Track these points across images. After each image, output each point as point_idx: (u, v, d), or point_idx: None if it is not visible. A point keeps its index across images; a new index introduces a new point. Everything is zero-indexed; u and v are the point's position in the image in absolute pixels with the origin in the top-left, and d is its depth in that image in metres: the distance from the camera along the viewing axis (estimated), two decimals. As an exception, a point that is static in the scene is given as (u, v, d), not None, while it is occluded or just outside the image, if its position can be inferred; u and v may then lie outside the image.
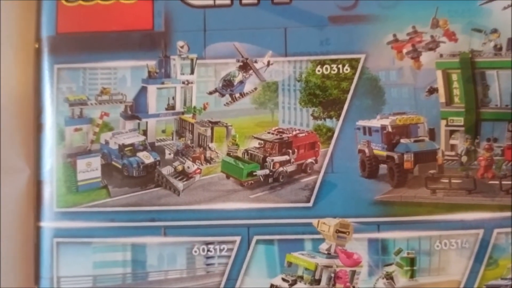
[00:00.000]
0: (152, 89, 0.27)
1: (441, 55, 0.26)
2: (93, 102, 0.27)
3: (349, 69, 0.26)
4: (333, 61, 0.26)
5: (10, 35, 0.27)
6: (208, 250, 0.26)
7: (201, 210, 0.26)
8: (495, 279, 0.25)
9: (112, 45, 0.27)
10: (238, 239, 0.26)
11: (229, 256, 0.26)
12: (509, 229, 0.26)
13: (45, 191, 0.26)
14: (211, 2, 0.27)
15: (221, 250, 0.26)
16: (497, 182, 0.26)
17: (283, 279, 0.25)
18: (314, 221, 0.26)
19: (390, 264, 0.26)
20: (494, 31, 0.27)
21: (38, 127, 0.27)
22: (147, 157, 0.27)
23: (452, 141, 0.26)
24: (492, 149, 0.27)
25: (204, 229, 0.26)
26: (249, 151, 0.27)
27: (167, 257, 0.26)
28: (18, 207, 0.26)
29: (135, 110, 0.27)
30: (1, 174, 0.26)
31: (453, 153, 0.26)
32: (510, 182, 0.26)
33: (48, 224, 0.26)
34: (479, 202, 0.26)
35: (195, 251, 0.26)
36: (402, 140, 0.27)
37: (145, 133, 0.27)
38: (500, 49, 0.27)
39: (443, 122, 0.26)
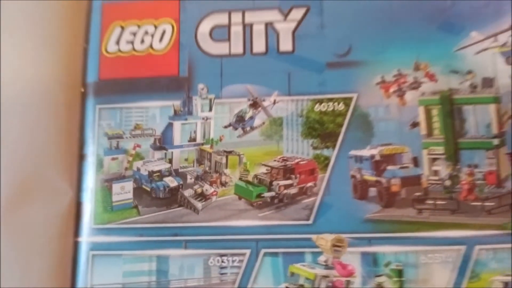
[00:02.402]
0: (177, 124, 0.30)
1: (423, 94, 0.29)
2: (128, 136, 0.30)
3: (343, 107, 0.29)
4: (330, 99, 0.29)
5: (59, 80, 0.30)
6: (222, 261, 0.28)
7: (216, 227, 0.29)
8: None
9: (144, 88, 0.31)
10: (248, 252, 0.28)
11: (240, 267, 0.28)
12: (490, 246, 0.27)
13: (84, 210, 0.29)
14: (227, 52, 0.30)
15: (233, 261, 0.28)
16: (479, 203, 0.28)
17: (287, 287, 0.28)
18: (314, 237, 0.28)
19: (381, 275, 0.27)
20: (469, 72, 0.29)
21: (81, 157, 0.30)
22: (172, 181, 0.30)
23: (435, 168, 0.28)
24: (474, 174, 0.28)
25: (219, 243, 0.29)
26: (258, 176, 0.29)
27: (187, 267, 0.28)
28: (60, 225, 0.29)
29: (163, 142, 0.30)
30: (48, 196, 0.29)
31: (436, 177, 0.28)
32: (492, 204, 0.28)
33: (85, 239, 0.29)
34: (462, 221, 0.28)
35: (211, 262, 0.28)
36: (388, 167, 0.29)
37: (170, 161, 0.30)
38: (476, 87, 0.28)
39: (425, 151, 0.29)
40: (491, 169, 0.28)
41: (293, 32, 0.30)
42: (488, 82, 0.29)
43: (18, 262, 0.28)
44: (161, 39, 0.31)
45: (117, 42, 0.31)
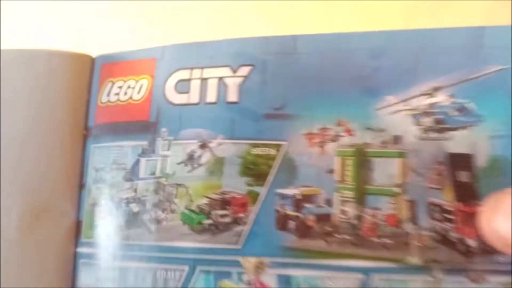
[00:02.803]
0: (143, 161, 0.35)
1: (341, 146, 0.32)
2: (108, 169, 0.36)
3: (274, 152, 0.33)
4: (264, 145, 0.33)
5: (68, 125, 0.37)
6: (166, 274, 0.33)
7: (164, 246, 0.34)
8: None
9: (123, 130, 0.36)
10: (186, 268, 0.33)
11: (180, 280, 0.33)
12: (385, 275, 0.31)
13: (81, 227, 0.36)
14: (186, 101, 0.35)
15: (175, 275, 0.33)
16: (379, 240, 0.32)
17: None
18: (241, 259, 0.32)
19: None
20: (382, 130, 0.32)
21: (80, 186, 0.37)
22: (134, 207, 0.35)
23: (344, 208, 0.32)
24: (376, 216, 0.32)
25: (165, 259, 0.33)
26: (199, 206, 0.34)
27: (140, 277, 0.34)
28: (65, 238, 0.35)
29: (131, 175, 0.35)
30: (56, 216, 0.35)
31: (345, 216, 0.32)
32: (390, 241, 0.31)
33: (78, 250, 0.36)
34: (363, 253, 0.31)
35: (158, 274, 0.33)
36: (306, 205, 0.33)
37: (135, 190, 0.35)
38: (386, 143, 0.32)
39: (337, 194, 0.33)
40: (392, 212, 0.32)
41: (239, 86, 0.34)
42: (397, 139, 0.32)
43: (32, 266, 0.35)
44: (139, 91, 0.36)
45: (108, 94, 0.37)
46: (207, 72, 0.36)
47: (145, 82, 0.37)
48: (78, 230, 0.36)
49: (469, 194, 0.31)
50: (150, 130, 0.36)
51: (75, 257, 0.35)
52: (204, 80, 0.35)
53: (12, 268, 0.34)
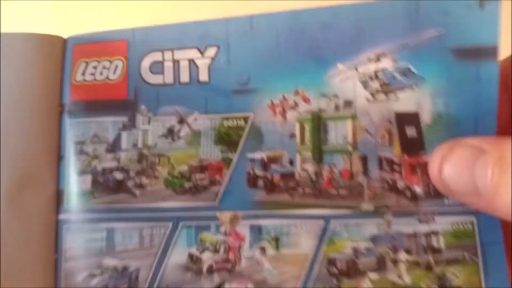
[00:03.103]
0: (124, 134, 0.38)
1: (299, 113, 0.36)
2: (89, 142, 0.38)
3: (243, 123, 0.37)
4: (234, 117, 0.37)
5: (45, 101, 0.39)
6: (152, 231, 0.37)
7: (149, 207, 0.37)
8: (333, 253, 0.35)
9: (101, 108, 0.39)
10: (170, 224, 0.36)
11: (165, 235, 0.37)
12: (342, 221, 0.35)
13: (62, 196, 0.38)
14: (161, 82, 0.38)
15: (160, 231, 0.37)
16: (336, 191, 0.36)
17: (197, 249, 0.36)
18: (218, 213, 0.36)
19: (263, 241, 0.35)
20: (335, 96, 0.35)
21: (59, 157, 0.39)
22: (118, 175, 0.38)
23: (305, 166, 0.36)
24: (333, 171, 0.36)
25: (150, 218, 0.37)
26: (181, 172, 0.37)
27: (127, 236, 0.37)
28: (47, 207, 0.38)
29: (113, 147, 0.38)
30: (38, 186, 0.38)
31: (306, 173, 0.36)
32: (345, 192, 0.36)
33: (61, 216, 0.38)
34: (322, 203, 0.36)
35: (145, 232, 0.37)
36: (272, 166, 0.36)
37: (118, 160, 0.38)
38: (339, 107, 0.36)
39: (298, 155, 0.36)
40: (346, 167, 0.36)
41: (209, 66, 0.38)
42: (348, 104, 0.36)
43: (18, 234, 0.37)
44: (114, 71, 0.39)
45: (83, 74, 0.39)
46: (178, 54, 0.39)
47: (119, 63, 0.39)
48: (59, 199, 0.38)
49: (415, 148, 0.36)
50: (129, 107, 0.38)
51: (57, 223, 0.37)
52: (176, 62, 0.39)
53: (-1, 237, 0.37)
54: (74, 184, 0.38)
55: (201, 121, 0.37)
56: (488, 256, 0.33)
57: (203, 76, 0.38)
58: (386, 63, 0.35)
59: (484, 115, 0.32)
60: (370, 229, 0.34)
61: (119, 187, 0.39)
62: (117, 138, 0.39)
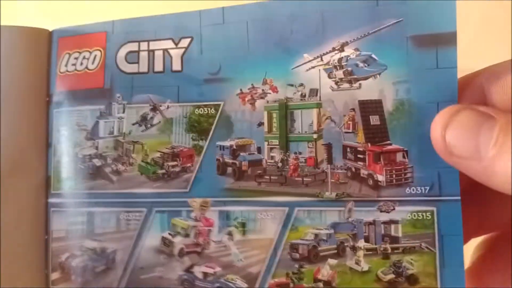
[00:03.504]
0: (101, 122, 0.40)
1: (267, 101, 0.37)
2: (71, 130, 0.40)
3: (213, 111, 0.38)
4: (205, 105, 0.38)
5: (34, 92, 0.41)
6: (128, 216, 0.39)
7: (125, 193, 0.39)
8: (296, 239, 0.36)
9: (81, 97, 0.41)
10: (145, 210, 0.38)
11: (140, 220, 0.39)
12: (305, 208, 0.36)
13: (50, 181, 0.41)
14: (136, 71, 0.40)
15: (135, 216, 0.39)
16: (300, 179, 0.37)
17: (169, 233, 0.38)
18: (188, 200, 0.37)
19: (231, 226, 0.37)
20: (301, 85, 0.36)
21: (48, 145, 0.41)
22: (97, 162, 0.40)
23: (272, 154, 0.38)
24: (298, 159, 0.37)
25: (126, 204, 0.39)
26: (154, 159, 0.39)
27: (105, 220, 0.39)
28: (36, 192, 0.40)
29: (92, 135, 0.40)
30: (28, 172, 0.40)
31: (272, 161, 0.38)
32: (309, 179, 0.37)
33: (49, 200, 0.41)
34: (287, 191, 0.37)
35: (121, 216, 0.39)
36: (241, 153, 0.38)
37: (97, 148, 0.39)
38: (304, 96, 0.37)
39: (266, 143, 0.38)
40: (311, 155, 0.37)
41: (181, 56, 0.39)
42: (314, 92, 0.36)
43: (10, 218, 0.39)
44: (93, 61, 0.41)
45: (66, 65, 0.41)
46: (153, 45, 0.40)
47: (98, 54, 0.41)
48: (48, 184, 0.40)
49: (378, 136, 0.37)
50: (105, 95, 0.40)
51: (46, 207, 0.40)
52: (151, 52, 0.40)
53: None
54: (60, 170, 0.40)
55: (173, 109, 0.39)
56: (445, 247, 0.33)
57: (176, 66, 0.40)
58: (349, 52, 0.36)
59: (445, 101, 0.32)
60: (332, 216, 0.35)
61: (98, 173, 0.41)
62: (95, 126, 0.41)
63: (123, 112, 0.41)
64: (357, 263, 0.35)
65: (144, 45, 0.40)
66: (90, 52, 0.41)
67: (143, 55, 0.40)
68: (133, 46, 0.41)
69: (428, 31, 0.33)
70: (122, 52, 0.41)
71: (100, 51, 0.41)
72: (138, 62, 0.40)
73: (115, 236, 0.39)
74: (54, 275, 0.40)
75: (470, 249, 0.38)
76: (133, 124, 0.41)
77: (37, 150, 0.40)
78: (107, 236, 0.39)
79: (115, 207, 0.39)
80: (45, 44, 0.42)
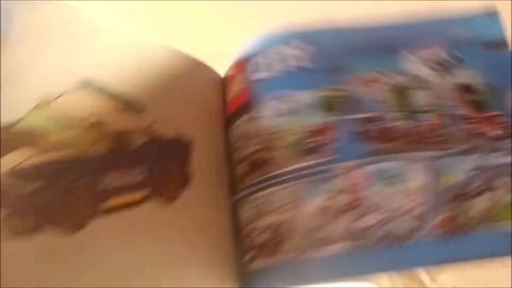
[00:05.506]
0: None
1: (386, 84, 0.45)
2: None
3: (342, 93, 0.45)
4: (336, 89, 0.44)
5: None
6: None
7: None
8: (446, 183, 0.39)
9: None
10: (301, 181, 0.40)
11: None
12: (447, 159, 0.41)
13: None
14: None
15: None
16: (432, 139, 0.42)
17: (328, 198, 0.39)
18: (339, 164, 0.41)
19: (383, 180, 0.39)
20: (407, 73, 0.44)
21: None
22: None
23: (400, 122, 0.45)
24: (424, 125, 0.44)
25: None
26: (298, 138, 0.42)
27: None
28: None
29: None
30: None
31: (403, 127, 0.45)
32: (439, 139, 0.42)
33: None
34: (424, 147, 0.41)
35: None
36: (374, 122, 0.44)
37: None
38: (412, 81, 0.44)
39: (393, 114, 0.44)
40: (434, 121, 0.44)
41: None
42: (418, 78, 0.44)
43: None
44: None
45: None
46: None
47: None
48: None
49: (479, 107, 0.44)
50: None
51: None
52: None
53: None
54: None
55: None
56: None
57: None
58: (440, 52, 0.44)
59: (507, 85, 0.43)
60: (471, 163, 0.40)
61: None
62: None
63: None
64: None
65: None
66: None
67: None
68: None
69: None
70: None
71: None
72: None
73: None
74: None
75: None
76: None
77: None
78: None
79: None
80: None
